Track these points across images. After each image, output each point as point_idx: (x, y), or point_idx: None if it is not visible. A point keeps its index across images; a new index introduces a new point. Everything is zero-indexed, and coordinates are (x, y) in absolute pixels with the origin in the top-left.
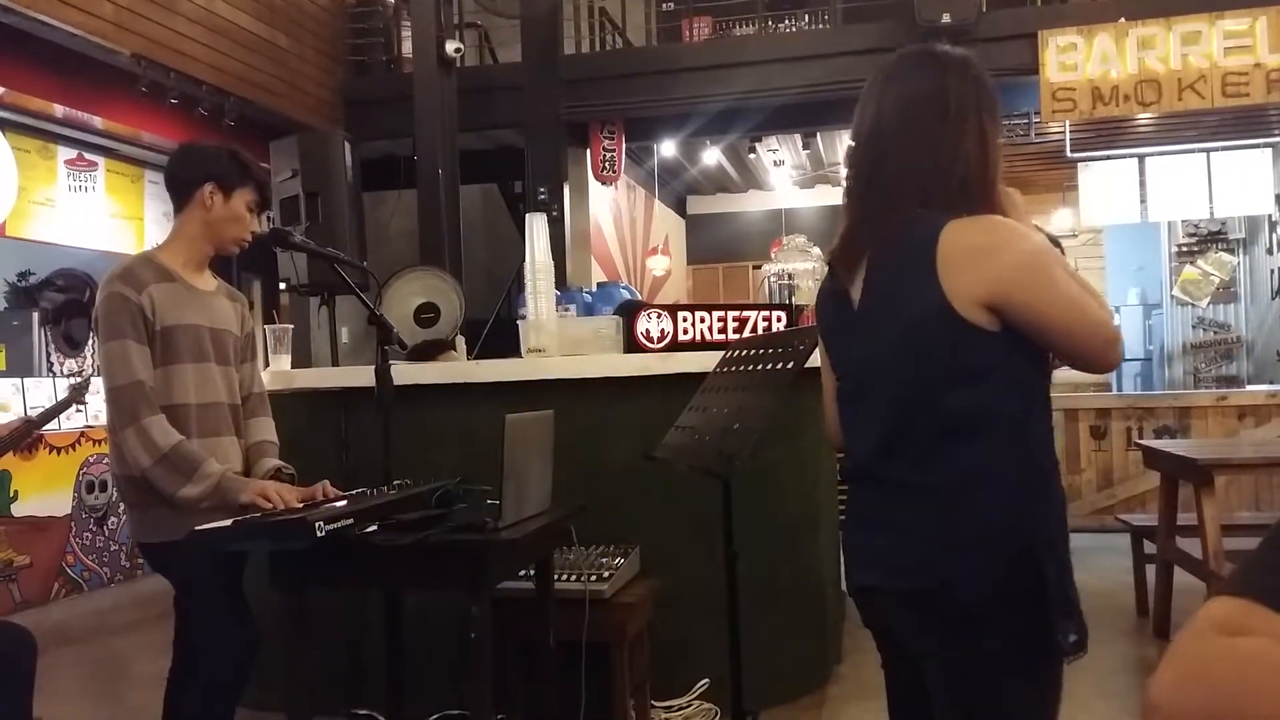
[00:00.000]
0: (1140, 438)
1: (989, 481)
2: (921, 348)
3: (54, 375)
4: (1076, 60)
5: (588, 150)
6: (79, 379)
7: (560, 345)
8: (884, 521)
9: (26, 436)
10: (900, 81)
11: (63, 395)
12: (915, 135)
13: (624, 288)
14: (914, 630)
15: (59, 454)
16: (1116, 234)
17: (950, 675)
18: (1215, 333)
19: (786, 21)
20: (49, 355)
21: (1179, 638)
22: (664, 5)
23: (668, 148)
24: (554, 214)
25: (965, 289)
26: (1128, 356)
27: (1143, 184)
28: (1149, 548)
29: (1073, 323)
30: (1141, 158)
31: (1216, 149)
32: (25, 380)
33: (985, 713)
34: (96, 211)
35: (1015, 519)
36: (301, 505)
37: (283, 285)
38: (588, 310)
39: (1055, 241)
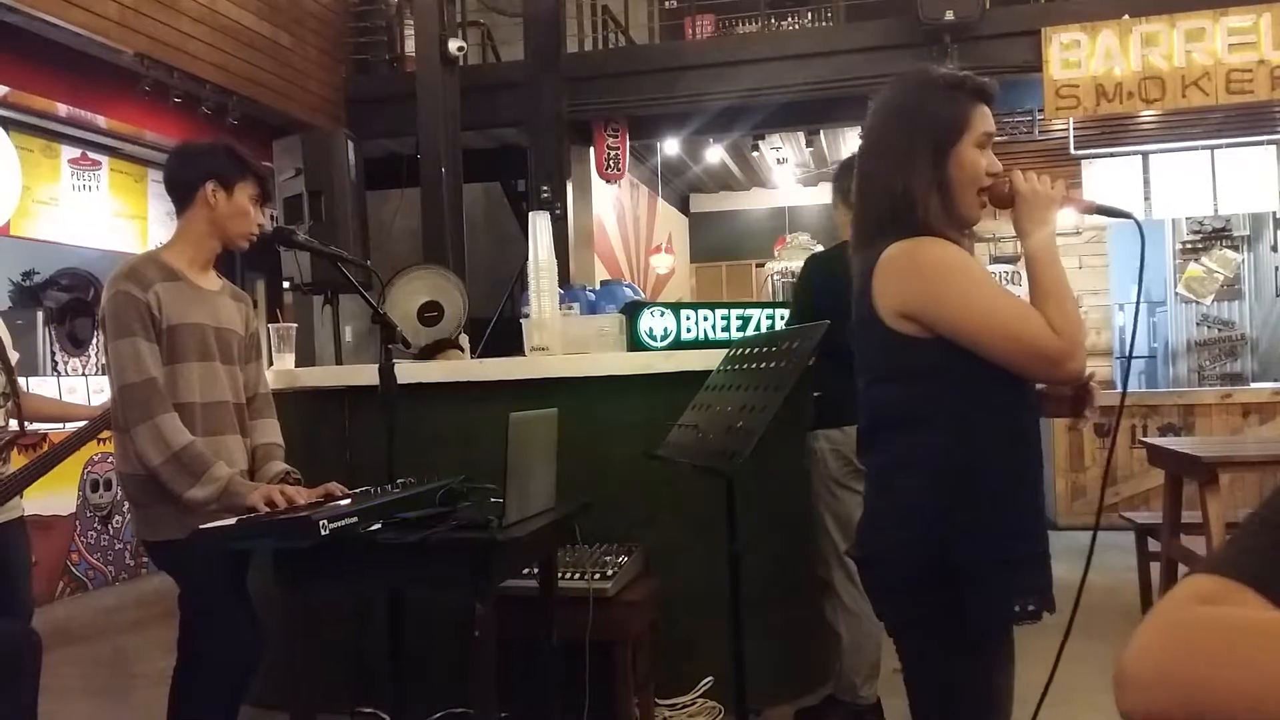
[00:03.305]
0: (1144, 435)
1: (911, 469)
2: (868, 351)
3: (58, 374)
4: (1080, 57)
5: (590, 148)
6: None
7: (563, 344)
8: (866, 501)
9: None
10: (882, 98)
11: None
12: (881, 154)
13: (627, 286)
14: (872, 597)
15: None
16: (1120, 231)
17: (899, 644)
18: (1219, 330)
19: (789, 19)
20: (53, 354)
21: (1157, 609)
22: (666, 3)
23: (670, 146)
24: (557, 212)
25: (887, 303)
26: (1133, 354)
27: (1146, 181)
28: (1153, 545)
29: (981, 337)
30: (1145, 155)
31: (1221, 146)
32: (30, 379)
33: (925, 682)
34: (100, 211)
35: (933, 505)
36: (306, 503)
37: (286, 284)
38: (591, 309)
39: (1116, 212)
